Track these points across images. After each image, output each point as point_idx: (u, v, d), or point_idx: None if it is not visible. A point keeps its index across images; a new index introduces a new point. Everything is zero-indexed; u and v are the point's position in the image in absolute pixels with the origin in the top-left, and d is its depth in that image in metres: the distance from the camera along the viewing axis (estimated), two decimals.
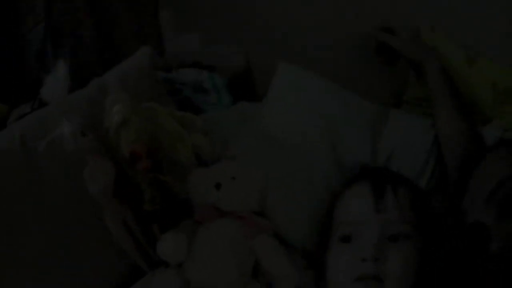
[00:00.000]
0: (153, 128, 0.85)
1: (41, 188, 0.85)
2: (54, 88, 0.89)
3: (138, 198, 0.84)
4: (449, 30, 1.25)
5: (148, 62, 1.05)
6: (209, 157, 0.93)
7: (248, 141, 1.01)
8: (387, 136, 1.06)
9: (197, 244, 0.84)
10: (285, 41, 1.41)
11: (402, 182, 0.85)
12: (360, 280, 0.72)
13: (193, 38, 1.59)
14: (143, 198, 0.84)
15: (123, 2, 1.57)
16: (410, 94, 1.28)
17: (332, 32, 1.35)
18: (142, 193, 0.84)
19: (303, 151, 0.99)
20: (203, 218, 0.87)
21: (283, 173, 0.94)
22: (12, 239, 0.82)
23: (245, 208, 0.88)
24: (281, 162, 0.96)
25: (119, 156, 0.83)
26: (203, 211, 0.87)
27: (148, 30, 1.59)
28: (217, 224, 0.86)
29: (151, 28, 1.59)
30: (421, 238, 0.78)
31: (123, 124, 0.83)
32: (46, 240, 0.85)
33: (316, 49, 1.37)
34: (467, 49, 1.22)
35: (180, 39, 1.61)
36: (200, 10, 1.61)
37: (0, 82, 1.53)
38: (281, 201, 0.91)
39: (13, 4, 1.60)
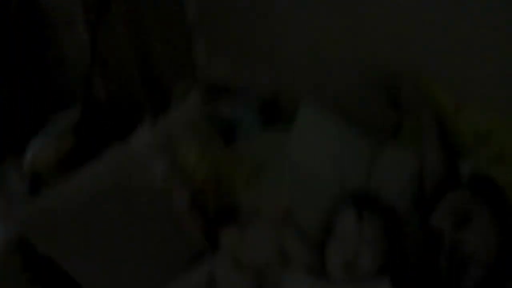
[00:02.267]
0: (217, 169, 1.25)
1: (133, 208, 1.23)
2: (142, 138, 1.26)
3: (204, 209, 1.26)
4: (447, 75, 1.41)
5: (201, 108, 1.44)
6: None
7: (278, 165, 1.39)
8: (380, 166, 1.37)
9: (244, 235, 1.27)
10: (309, 71, 1.61)
11: (377, 207, 1.24)
12: (344, 266, 1.15)
13: (225, 62, 1.78)
14: (207, 209, 1.26)
15: (159, 34, 1.90)
16: (407, 129, 1.48)
17: (352, 71, 1.53)
18: (207, 205, 1.26)
19: (318, 175, 1.35)
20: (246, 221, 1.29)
21: (303, 189, 1.34)
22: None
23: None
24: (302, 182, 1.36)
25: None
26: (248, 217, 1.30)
27: (183, 58, 1.88)
28: (256, 224, 1.29)
29: (186, 56, 1.88)
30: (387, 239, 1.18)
31: (196, 166, 1.22)
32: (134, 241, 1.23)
33: (336, 83, 1.56)
34: (460, 93, 1.38)
35: (212, 64, 1.82)
36: (231, 37, 1.79)
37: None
38: (302, 210, 1.33)
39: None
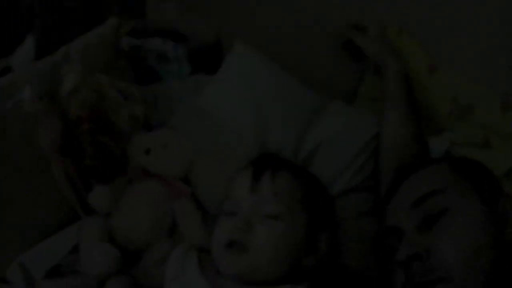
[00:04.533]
0: (97, 97, 1.01)
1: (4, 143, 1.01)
2: (22, 57, 1.04)
3: (81, 154, 1.01)
4: (421, 32, 1.23)
5: (112, 33, 1.18)
6: (146, 123, 1.09)
7: (186, 113, 1.14)
8: (320, 126, 1.10)
9: (124, 198, 1.01)
10: (258, 22, 1.44)
11: (287, 169, 0.92)
12: (227, 247, 0.84)
13: (173, 6, 1.61)
14: (84, 154, 1.01)
15: None
16: (365, 90, 1.27)
17: (306, 22, 1.35)
18: (84, 150, 1.01)
19: (231, 128, 1.09)
20: (133, 178, 1.03)
21: (209, 146, 1.07)
22: None
23: (170, 173, 1.03)
24: (210, 137, 1.08)
25: (68, 118, 1.00)
26: (133, 171, 1.04)
27: None
28: (143, 183, 1.02)
29: None
30: (291, 219, 0.86)
31: (73, 92, 0.99)
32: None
33: (287, 35, 1.36)
34: (435, 55, 1.20)
35: (161, 6, 1.65)
36: None
37: None
38: (203, 171, 1.04)
39: None
